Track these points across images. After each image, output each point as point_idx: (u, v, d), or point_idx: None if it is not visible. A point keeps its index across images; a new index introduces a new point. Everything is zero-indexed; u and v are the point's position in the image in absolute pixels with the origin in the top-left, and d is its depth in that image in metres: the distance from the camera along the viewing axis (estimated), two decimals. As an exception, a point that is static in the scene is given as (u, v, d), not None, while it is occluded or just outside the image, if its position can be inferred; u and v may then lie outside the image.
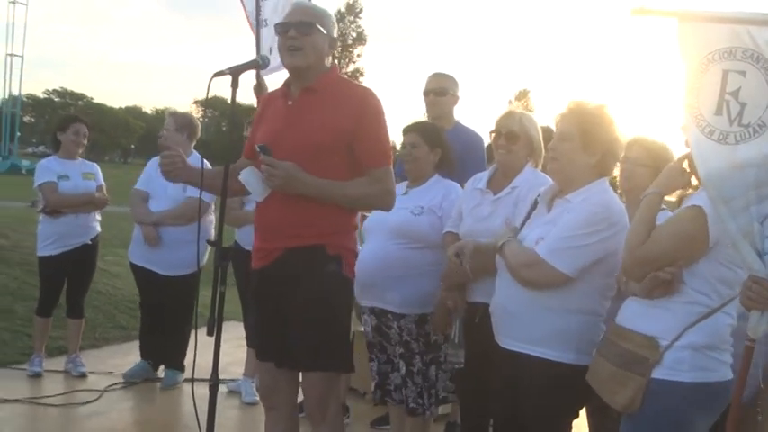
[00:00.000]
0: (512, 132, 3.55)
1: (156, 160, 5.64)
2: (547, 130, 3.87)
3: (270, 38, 4.52)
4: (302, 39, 3.02)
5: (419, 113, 4.91)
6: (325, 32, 3.09)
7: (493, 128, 3.65)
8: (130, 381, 5.54)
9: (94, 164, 5.91)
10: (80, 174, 5.65)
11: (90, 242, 5.66)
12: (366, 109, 3.06)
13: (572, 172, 2.93)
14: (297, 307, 3.03)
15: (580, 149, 2.90)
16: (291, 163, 2.96)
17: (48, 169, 5.62)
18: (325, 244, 3.04)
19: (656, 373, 2.46)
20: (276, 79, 3.83)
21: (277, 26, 3.11)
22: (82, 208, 5.58)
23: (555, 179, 3.06)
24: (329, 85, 3.10)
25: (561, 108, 3.04)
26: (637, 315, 2.59)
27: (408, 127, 4.05)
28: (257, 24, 4.74)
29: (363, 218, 4.09)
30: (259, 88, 4.33)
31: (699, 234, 2.42)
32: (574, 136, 2.90)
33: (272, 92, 3.41)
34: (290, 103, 3.13)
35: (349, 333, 3.24)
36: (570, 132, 2.91)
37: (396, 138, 4.27)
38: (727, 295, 2.44)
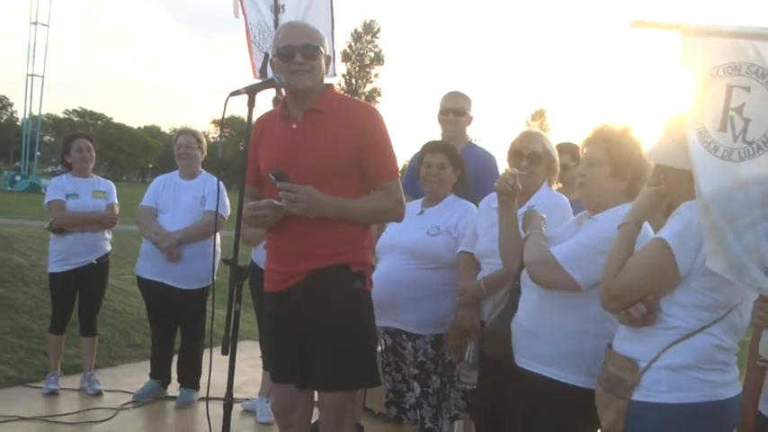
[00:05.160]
0: (535, 154, 3.57)
1: (164, 177, 5.71)
2: (570, 147, 3.89)
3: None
4: (309, 62, 3.04)
5: (434, 133, 4.88)
6: (326, 53, 3.15)
7: (511, 148, 3.64)
8: (140, 401, 5.53)
9: (109, 182, 5.94)
10: (90, 192, 5.68)
11: (96, 262, 5.64)
12: (373, 124, 3.12)
13: (602, 198, 2.89)
14: (326, 326, 3.05)
15: (610, 176, 2.85)
16: (310, 186, 2.97)
17: (57, 187, 5.67)
18: (349, 262, 3.09)
19: (636, 396, 2.42)
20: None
21: (282, 50, 3.07)
22: (88, 226, 5.59)
23: (584, 204, 3.02)
24: (331, 103, 3.12)
25: (584, 131, 2.99)
26: (623, 338, 2.55)
27: (435, 146, 4.03)
28: (275, 11, 4.75)
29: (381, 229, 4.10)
30: (278, 101, 4.32)
31: (667, 268, 2.36)
32: (602, 162, 2.85)
33: (268, 114, 3.34)
34: (294, 126, 3.13)
35: (376, 346, 3.30)
36: (598, 158, 2.86)
37: (403, 154, 4.25)
38: (708, 319, 2.37)
